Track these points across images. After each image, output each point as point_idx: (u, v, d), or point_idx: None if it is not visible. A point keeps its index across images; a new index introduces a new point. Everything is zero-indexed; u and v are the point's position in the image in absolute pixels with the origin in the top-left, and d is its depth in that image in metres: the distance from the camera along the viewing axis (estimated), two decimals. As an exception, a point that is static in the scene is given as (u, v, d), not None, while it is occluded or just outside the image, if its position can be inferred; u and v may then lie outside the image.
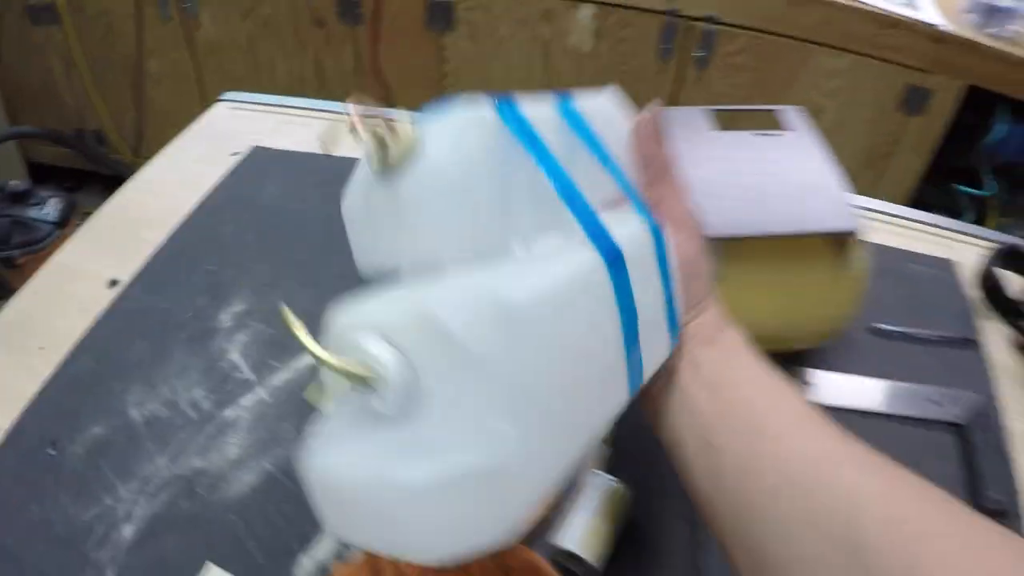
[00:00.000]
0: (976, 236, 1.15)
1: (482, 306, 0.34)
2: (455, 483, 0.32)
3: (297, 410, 0.84)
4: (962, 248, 1.12)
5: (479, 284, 0.36)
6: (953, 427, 0.85)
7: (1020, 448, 0.84)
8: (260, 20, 2.29)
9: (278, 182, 1.16)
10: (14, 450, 0.79)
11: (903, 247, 1.11)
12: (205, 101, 1.35)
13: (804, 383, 0.88)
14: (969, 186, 2.10)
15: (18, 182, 2.33)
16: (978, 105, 2.03)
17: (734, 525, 0.43)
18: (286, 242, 1.05)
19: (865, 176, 2.17)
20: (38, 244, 2.29)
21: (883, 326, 0.96)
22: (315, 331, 0.89)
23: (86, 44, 2.44)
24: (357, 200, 0.44)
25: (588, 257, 0.38)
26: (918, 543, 0.36)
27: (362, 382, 0.33)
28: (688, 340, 0.49)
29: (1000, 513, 0.76)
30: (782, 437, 0.43)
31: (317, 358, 0.33)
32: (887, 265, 1.05)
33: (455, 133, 0.41)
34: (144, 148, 2.63)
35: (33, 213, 2.34)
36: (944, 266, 1.08)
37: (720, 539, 0.45)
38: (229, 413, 0.83)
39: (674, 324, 0.47)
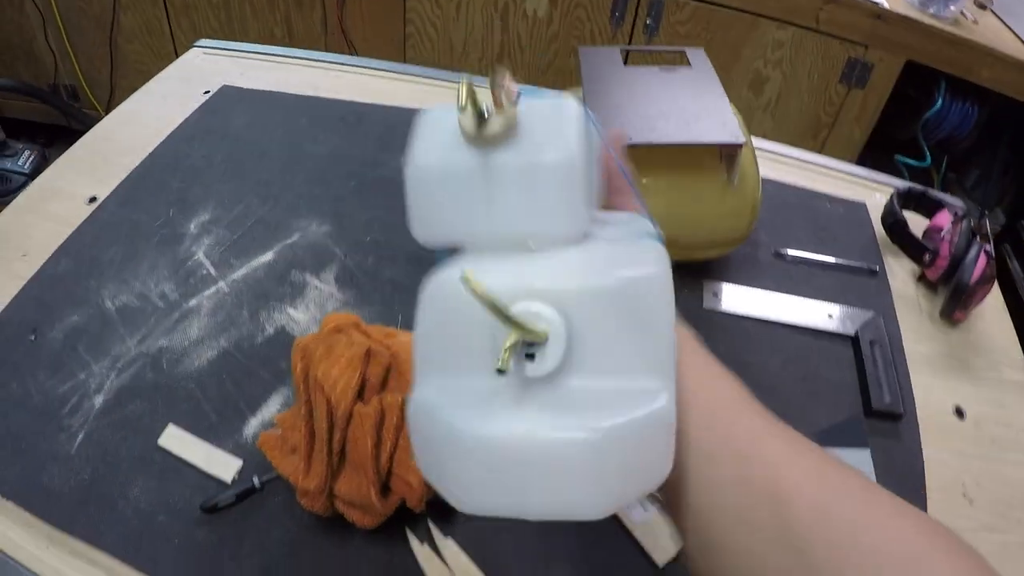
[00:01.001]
0: (888, 184, 1.24)
1: (640, 276, 0.37)
2: (622, 436, 0.34)
3: (252, 299, 0.93)
4: (876, 194, 1.21)
5: (620, 257, 0.39)
6: (847, 339, 0.95)
7: (916, 364, 0.93)
8: (233, -23, 2.34)
9: (244, 116, 1.24)
10: (-4, 339, 0.87)
11: (819, 189, 1.20)
12: (177, 57, 1.41)
13: (712, 294, 0.98)
14: (910, 158, 2.19)
15: (-8, 134, 2.34)
16: (920, 80, 2.12)
17: (681, 494, 0.42)
18: (249, 165, 1.13)
19: (808, 145, 2.21)
20: (11, 195, 2.31)
21: (790, 251, 1.06)
22: (267, 237, 0.97)
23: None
24: (434, 168, 0.41)
25: (660, 247, 0.41)
26: (824, 495, 0.38)
27: (534, 338, 0.35)
28: None
29: (890, 414, 0.86)
30: (719, 417, 0.42)
31: (503, 317, 0.34)
32: (800, 203, 1.16)
33: (557, 117, 0.41)
34: (116, 103, 2.60)
35: (7, 165, 2.39)
36: (856, 207, 1.17)
37: (674, 514, 0.44)
38: (193, 302, 0.91)
39: None
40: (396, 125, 1.24)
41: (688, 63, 0.99)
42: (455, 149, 0.40)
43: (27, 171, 2.40)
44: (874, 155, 2.26)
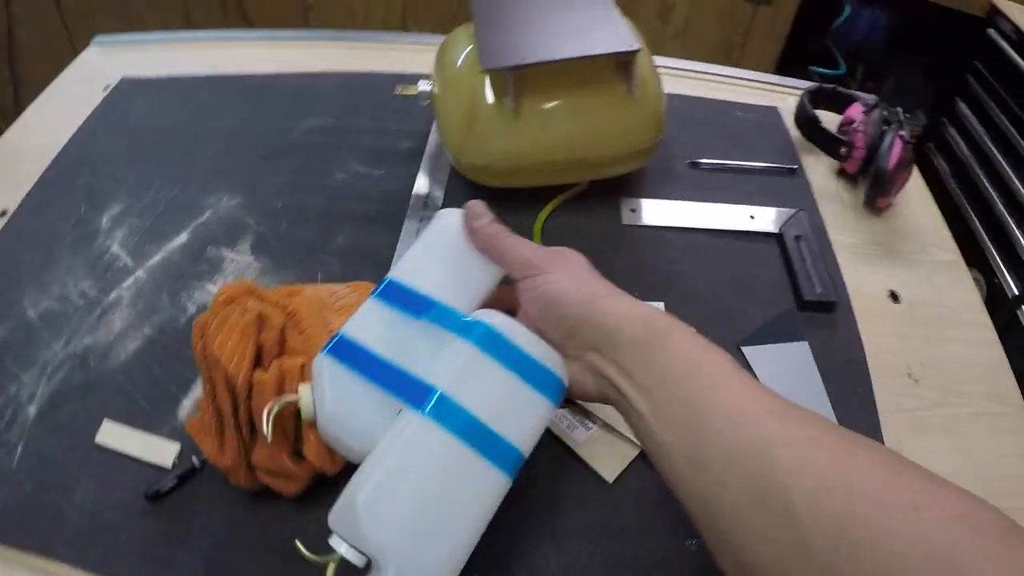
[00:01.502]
0: (798, 88, 1.25)
1: (348, 509, 0.52)
2: None
3: (171, 282, 0.92)
4: (789, 99, 1.22)
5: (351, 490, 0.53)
6: (772, 237, 0.96)
7: (844, 255, 0.95)
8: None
9: (144, 104, 1.21)
10: (-86, 369, 0.84)
11: (730, 99, 1.21)
12: None
13: (630, 210, 0.98)
14: (824, 68, 2.21)
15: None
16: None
17: (696, 509, 0.48)
18: (154, 151, 1.11)
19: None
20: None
21: (704, 160, 1.06)
22: (181, 218, 0.94)
23: (-47, 22, 2.37)
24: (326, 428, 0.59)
25: (411, 421, 0.54)
26: (844, 507, 0.40)
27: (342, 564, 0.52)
28: (610, 350, 0.55)
29: (823, 304, 0.87)
30: (721, 431, 0.47)
31: (323, 566, 0.52)
32: (710, 113, 1.16)
33: (323, 387, 0.59)
34: (27, 124, 2.55)
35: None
36: (768, 112, 1.18)
37: (694, 522, 0.49)
38: (113, 296, 0.90)
39: (545, 380, 0.58)
40: (301, 91, 1.23)
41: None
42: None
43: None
44: (788, 70, 2.27)
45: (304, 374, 0.65)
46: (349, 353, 0.60)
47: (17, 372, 0.82)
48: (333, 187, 1.04)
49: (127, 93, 1.25)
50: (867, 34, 2.17)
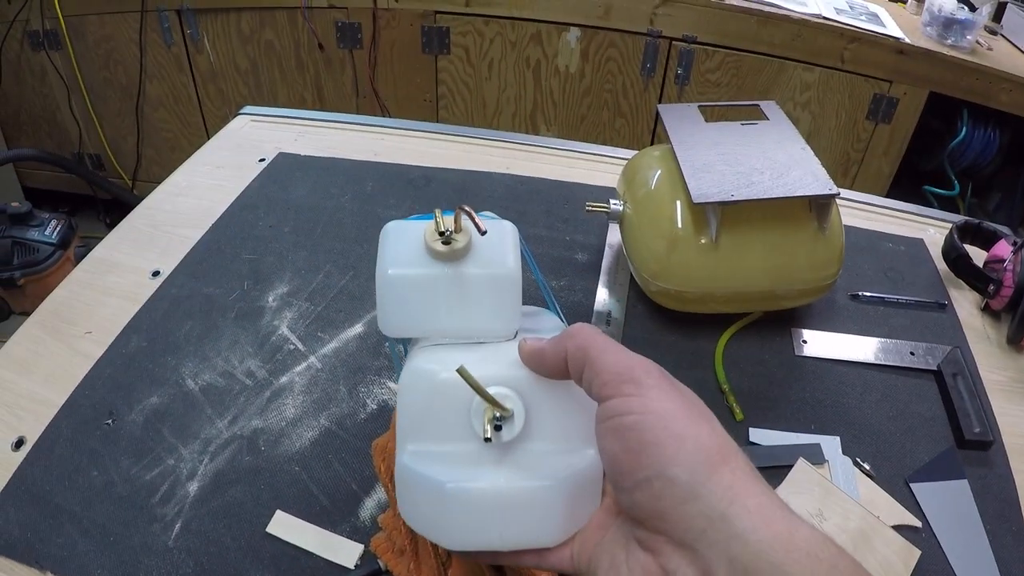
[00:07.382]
0: (941, 220, 1.26)
1: None
2: (571, 482, 0.46)
3: (348, 374, 0.91)
4: (930, 229, 1.23)
5: None
6: (931, 374, 0.96)
7: (993, 392, 0.94)
8: (261, 45, 2.37)
9: (306, 183, 1.24)
10: (70, 422, 0.83)
11: (878, 229, 1.22)
12: (206, 126, 1.40)
13: (802, 341, 0.99)
14: (937, 187, 2.21)
15: (19, 204, 2.35)
16: (942, 111, 2.15)
17: None
18: (321, 234, 1.13)
19: (839, 182, 2.22)
20: (40, 265, 2.33)
21: (863, 293, 1.07)
22: (354, 308, 0.93)
23: (87, 69, 2.48)
24: (405, 277, 0.51)
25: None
26: None
27: (504, 413, 0.46)
28: (710, 550, 0.37)
29: (982, 443, 0.86)
30: None
31: (489, 399, 0.45)
32: (864, 244, 1.17)
33: (500, 237, 0.53)
34: (142, 172, 2.67)
35: (34, 235, 2.37)
36: (915, 244, 1.19)
37: None
38: (284, 380, 0.90)
39: None
40: (466, 188, 1.24)
41: (764, 116, 1.01)
42: (422, 261, 0.51)
43: (55, 241, 2.38)
44: (902, 188, 2.28)
45: None
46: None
47: (176, 444, 0.82)
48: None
49: (285, 168, 1.28)
50: (980, 154, 2.17)
